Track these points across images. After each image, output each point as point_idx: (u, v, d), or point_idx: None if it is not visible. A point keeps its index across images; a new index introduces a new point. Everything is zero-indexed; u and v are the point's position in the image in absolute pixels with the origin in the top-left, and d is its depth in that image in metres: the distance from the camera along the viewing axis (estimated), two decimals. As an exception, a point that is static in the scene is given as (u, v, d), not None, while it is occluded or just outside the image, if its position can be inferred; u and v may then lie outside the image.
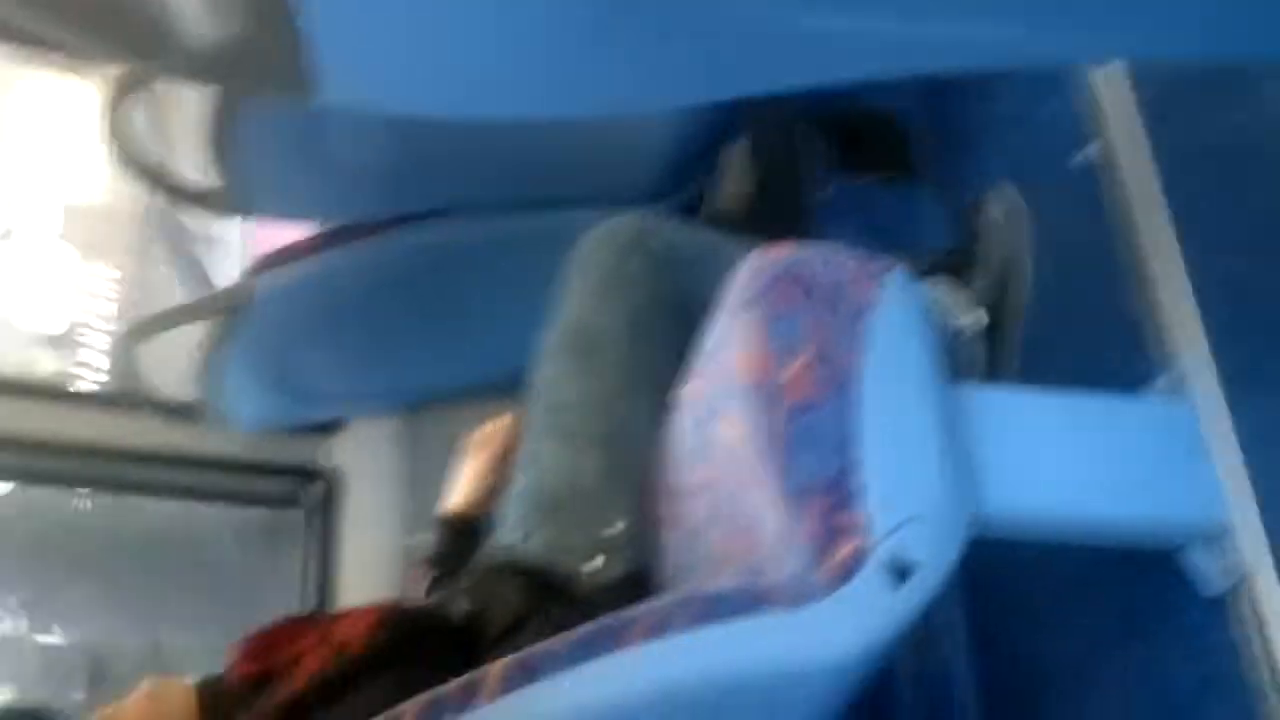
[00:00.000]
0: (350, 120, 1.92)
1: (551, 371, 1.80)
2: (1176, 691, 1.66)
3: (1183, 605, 1.63)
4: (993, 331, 1.90)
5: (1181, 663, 1.65)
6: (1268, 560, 1.51)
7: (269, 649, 1.62)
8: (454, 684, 1.31)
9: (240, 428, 2.31)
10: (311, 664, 1.53)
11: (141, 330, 2.20)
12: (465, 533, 1.95)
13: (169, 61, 1.81)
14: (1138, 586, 1.73)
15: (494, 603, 1.67)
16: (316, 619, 1.74)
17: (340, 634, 1.56)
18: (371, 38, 1.39)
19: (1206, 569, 1.60)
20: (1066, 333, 1.90)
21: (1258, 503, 1.53)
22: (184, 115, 2.09)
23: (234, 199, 2.01)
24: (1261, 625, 1.52)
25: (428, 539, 2.25)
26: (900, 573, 1.33)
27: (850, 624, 1.32)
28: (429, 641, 1.58)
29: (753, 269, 1.56)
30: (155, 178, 2.03)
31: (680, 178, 2.25)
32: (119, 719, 1.65)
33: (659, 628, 1.32)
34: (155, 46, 1.81)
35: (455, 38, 1.38)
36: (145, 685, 1.69)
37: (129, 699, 1.64)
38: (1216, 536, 1.57)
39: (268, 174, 2.00)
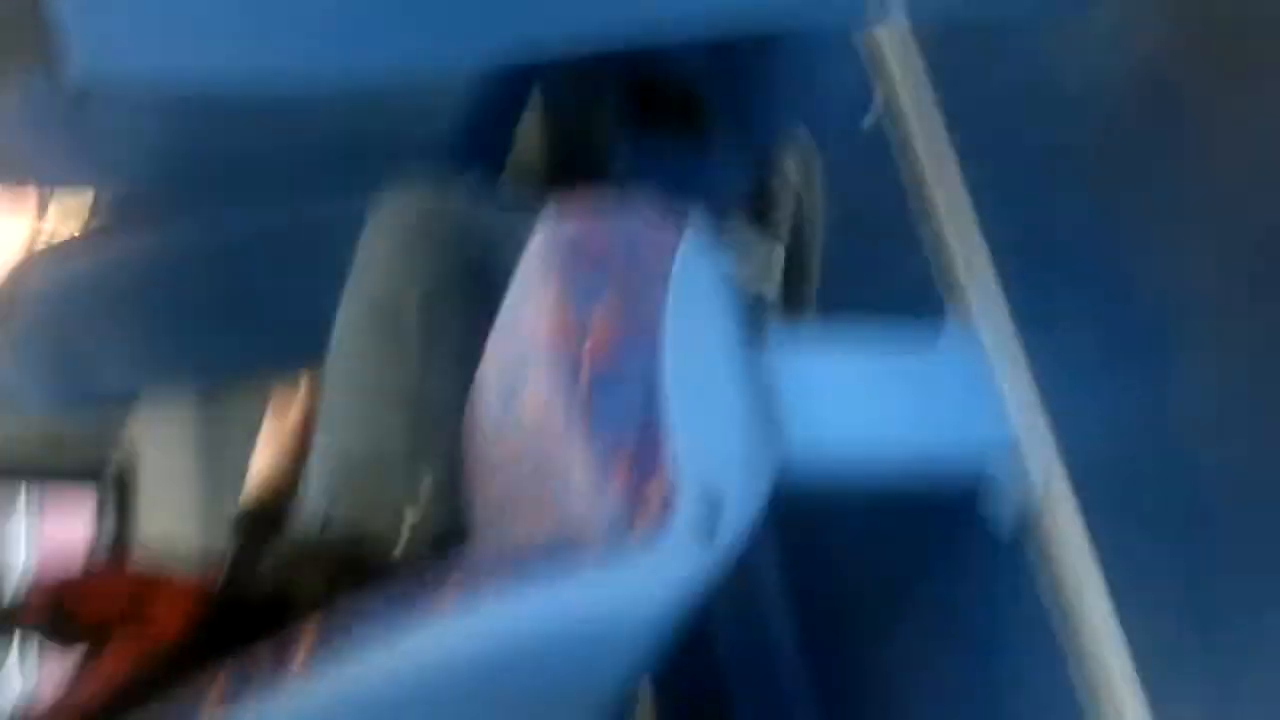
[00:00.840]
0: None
1: (351, 345, 1.79)
2: (973, 631, 1.73)
3: (977, 549, 1.69)
4: (789, 274, 1.95)
5: (978, 604, 1.72)
6: (1058, 497, 1.57)
7: (69, 592, 1.59)
8: (263, 653, 1.31)
9: (31, 413, 2.26)
10: (120, 658, 1.51)
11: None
12: (267, 519, 1.92)
13: None
14: (936, 531, 1.80)
15: (299, 580, 1.67)
16: (119, 572, 1.71)
17: (153, 625, 1.53)
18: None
19: (999, 512, 1.65)
20: (864, 270, 1.96)
21: (1051, 439, 1.59)
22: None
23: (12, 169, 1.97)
24: (1052, 565, 1.58)
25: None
26: (708, 524, 1.36)
27: (662, 575, 1.35)
28: (242, 619, 1.56)
29: (546, 236, 1.58)
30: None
31: (475, 147, 2.25)
32: None
33: (473, 585, 1.34)
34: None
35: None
36: None
37: None
38: (1009, 473, 1.62)
39: (41, 140, 1.96)
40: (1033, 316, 1.65)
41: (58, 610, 1.56)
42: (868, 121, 1.92)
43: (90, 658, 1.59)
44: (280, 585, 1.67)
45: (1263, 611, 1.29)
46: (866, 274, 1.95)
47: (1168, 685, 1.42)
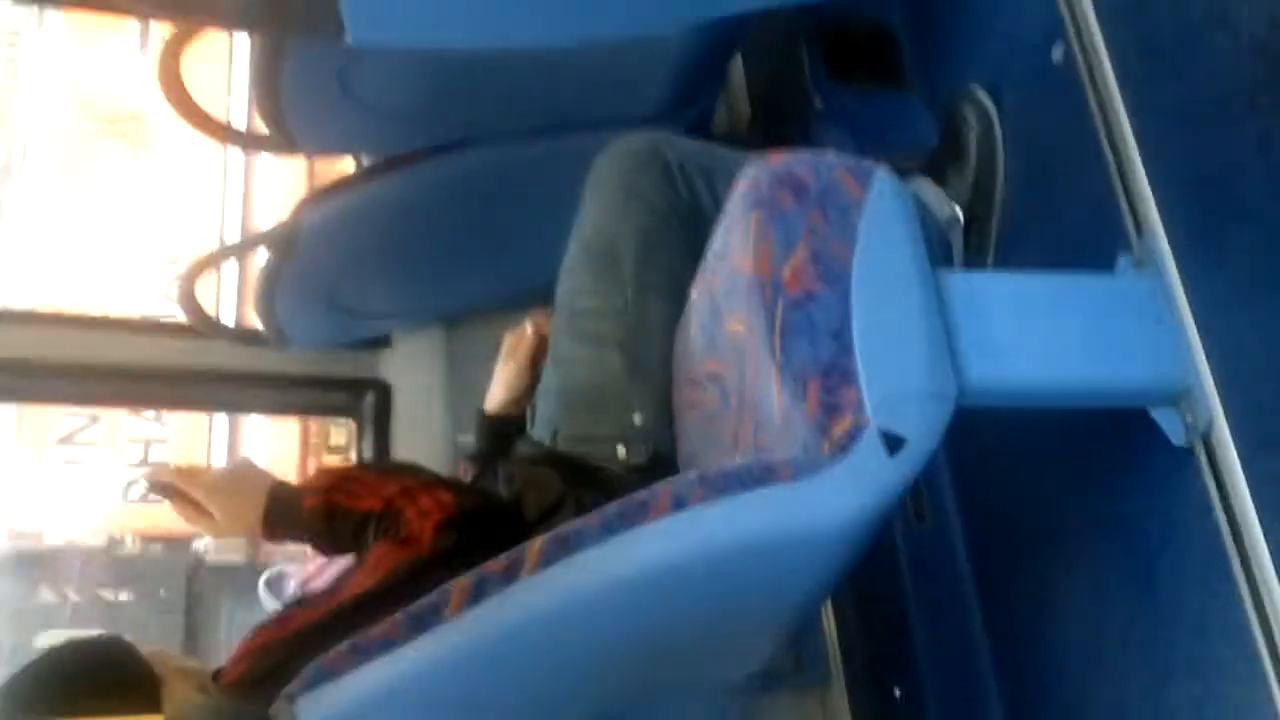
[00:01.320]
0: (381, 62, 1.94)
1: (574, 281, 1.83)
2: (1142, 536, 1.69)
3: (1150, 458, 1.65)
4: (971, 222, 1.92)
5: (1147, 512, 1.67)
6: (1222, 415, 1.52)
7: (333, 488, 1.67)
8: (498, 560, 1.34)
9: (298, 347, 2.34)
10: (381, 564, 1.59)
11: (200, 265, 2.23)
12: (503, 430, 1.99)
13: (214, 12, 1.86)
14: (1110, 443, 1.74)
15: (531, 490, 1.72)
16: (376, 473, 1.77)
17: (409, 532, 1.60)
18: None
19: (1171, 425, 1.61)
20: (1041, 217, 1.90)
21: (1212, 364, 1.54)
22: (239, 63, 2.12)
23: (281, 139, 2.04)
24: (1218, 473, 1.54)
25: (471, 439, 2.31)
26: (893, 444, 1.35)
27: (850, 491, 1.35)
28: (482, 531, 1.62)
29: (751, 177, 1.57)
30: (205, 123, 2.06)
31: (686, 96, 2.25)
32: (199, 475, 1.72)
33: (679, 502, 1.35)
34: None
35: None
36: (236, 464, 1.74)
37: (217, 469, 1.71)
38: (1180, 395, 1.58)
39: (311, 114, 2.02)
40: (1195, 258, 1.59)
41: (330, 501, 1.65)
42: (1056, 56, 1.86)
43: (356, 559, 1.68)
44: (513, 492, 1.74)
45: None
46: (1048, 208, 1.89)
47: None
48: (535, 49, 1.92)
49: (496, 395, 2.07)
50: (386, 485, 1.64)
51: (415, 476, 1.68)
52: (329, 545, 1.69)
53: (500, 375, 2.09)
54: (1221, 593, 1.53)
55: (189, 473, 1.73)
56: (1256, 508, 1.48)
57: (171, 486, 1.71)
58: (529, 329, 2.08)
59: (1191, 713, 1.61)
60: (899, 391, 1.39)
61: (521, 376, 2.05)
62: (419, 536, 1.57)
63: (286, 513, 1.67)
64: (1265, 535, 1.47)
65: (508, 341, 2.09)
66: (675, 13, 1.93)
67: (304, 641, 1.46)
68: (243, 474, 1.73)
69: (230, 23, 2.01)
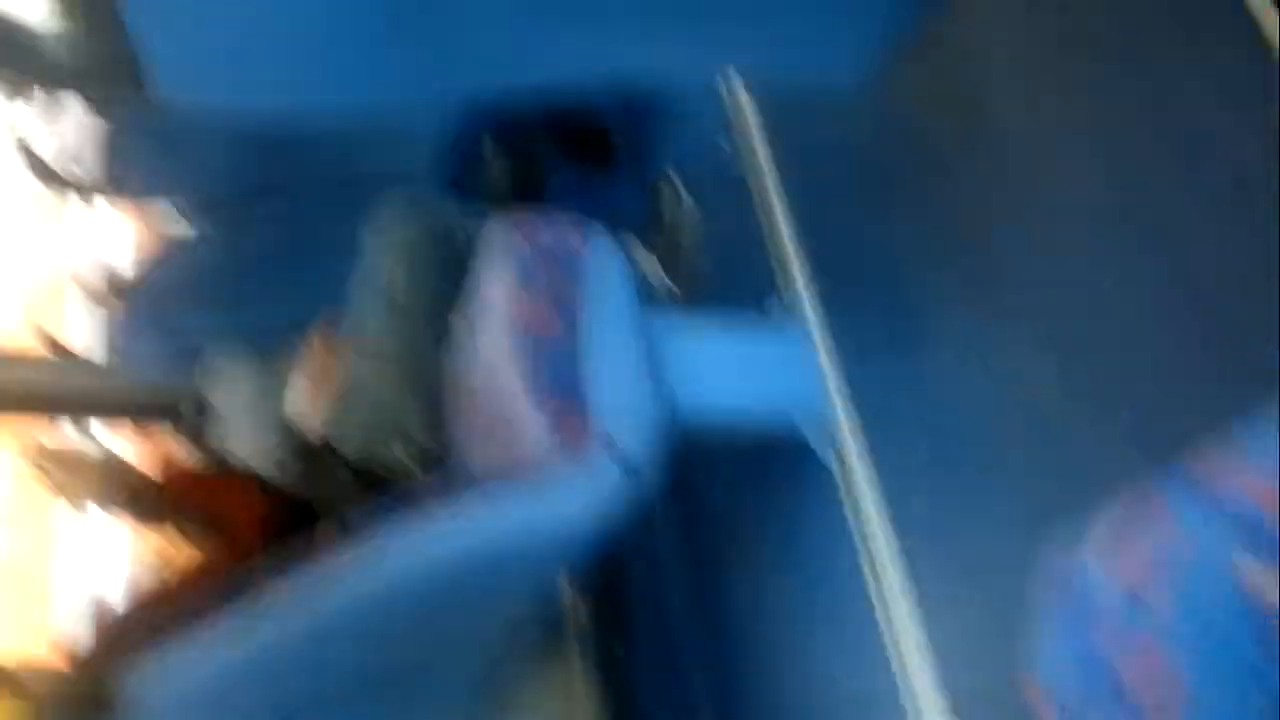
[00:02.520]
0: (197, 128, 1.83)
1: (362, 316, 1.77)
2: (801, 530, 1.75)
3: (808, 471, 1.69)
4: (671, 274, 1.96)
5: (804, 509, 1.74)
6: (851, 437, 1.59)
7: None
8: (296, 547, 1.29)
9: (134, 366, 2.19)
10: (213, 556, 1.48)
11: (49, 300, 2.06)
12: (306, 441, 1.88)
13: (38, 74, 1.70)
14: (778, 453, 1.78)
15: (326, 488, 1.64)
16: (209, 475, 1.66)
17: (234, 525, 1.50)
18: (188, 36, 1.30)
19: (819, 445, 1.65)
20: (721, 273, 1.95)
21: (843, 394, 1.60)
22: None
23: (117, 186, 1.90)
24: (848, 478, 1.60)
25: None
26: (622, 459, 1.35)
27: (586, 498, 1.34)
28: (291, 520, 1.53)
29: (501, 230, 1.56)
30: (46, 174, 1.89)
31: (449, 165, 2.21)
32: None
33: (445, 502, 1.32)
34: (26, 63, 1.69)
35: (264, 34, 1.31)
36: None
37: None
38: (822, 415, 1.63)
39: (143, 165, 1.89)
40: (829, 307, 1.66)
41: (161, 496, 1.52)
42: (723, 153, 1.91)
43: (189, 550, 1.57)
44: (314, 489, 1.65)
45: (971, 515, 1.34)
46: (727, 275, 1.94)
47: (927, 572, 1.46)
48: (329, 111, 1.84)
49: (296, 400, 1.95)
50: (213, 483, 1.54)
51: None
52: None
53: (298, 384, 1.99)
54: (842, 552, 1.58)
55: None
56: (876, 502, 1.54)
57: None
58: (321, 347, 1.99)
59: (840, 672, 1.66)
60: (625, 415, 1.39)
61: (318, 385, 1.95)
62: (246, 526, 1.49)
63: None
64: (883, 525, 1.53)
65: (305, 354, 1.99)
66: (444, 87, 1.89)
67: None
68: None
69: (45, 83, 1.85)
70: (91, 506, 1.58)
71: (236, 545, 1.45)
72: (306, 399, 1.92)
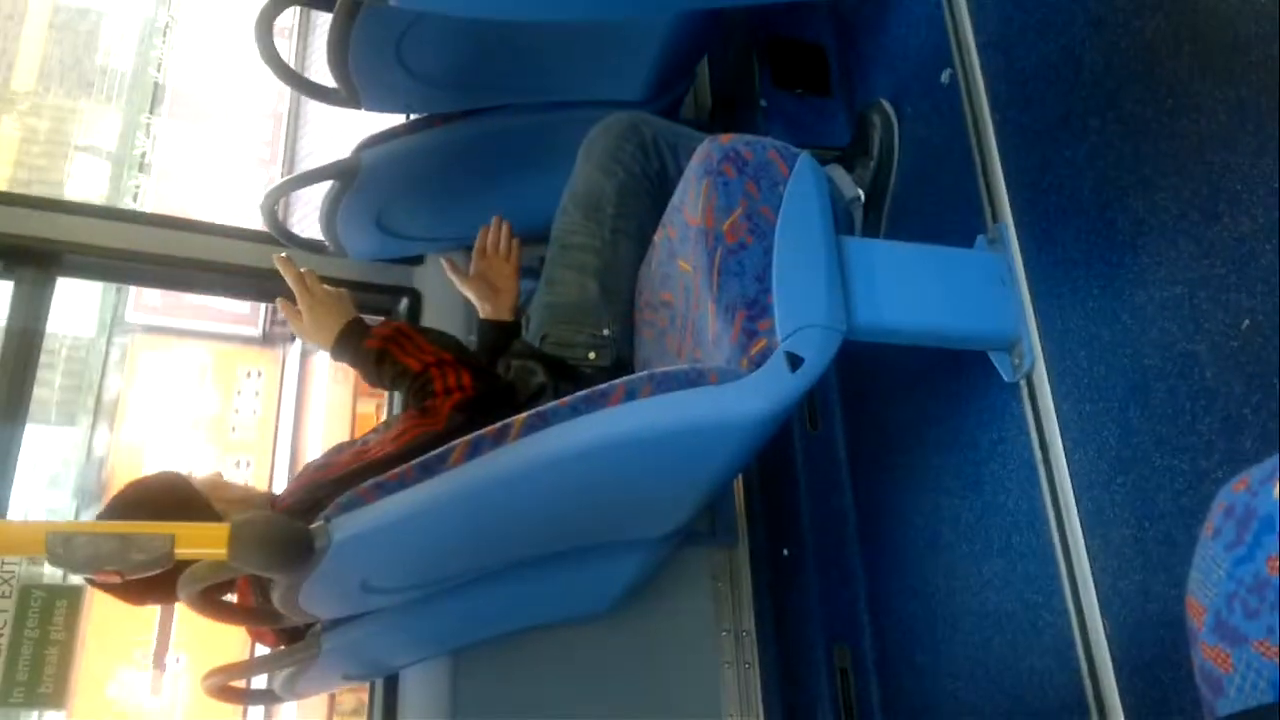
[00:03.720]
0: (428, 40, 1.92)
1: (565, 222, 1.83)
2: (976, 448, 1.72)
3: (986, 390, 1.68)
4: (870, 202, 1.93)
5: (982, 429, 1.71)
6: (1042, 361, 1.56)
7: (390, 338, 1.66)
8: (490, 428, 1.36)
9: (352, 258, 2.35)
10: (405, 437, 1.57)
11: (280, 189, 2.22)
12: (496, 333, 1.99)
13: None
14: (958, 376, 1.77)
15: (521, 379, 1.74)
16: (427, 339, 1.71)
17: (432, 401, 1.60)
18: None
19: (1004, 365, 1.64)
20: (922, 202, 1.91)
21: (1038, 323, 1.57)
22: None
23: (349, 95, 2.02)
24: (1036, 404, 1.58)
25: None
26: (795, 362, 1.37)
27: (760, 395, 1.37)
28: (486, 410, 1.63)
29: (705, 151, 1.57)
30: (289, 76, 2.04)
31: (662, 87, 2.24)
32: (309, 281, 1.74)
33: (631, 394, 1.37)
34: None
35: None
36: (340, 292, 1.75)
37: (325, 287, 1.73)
38: (1013, 343, 1.61)
39: (372, 77, 2.00)
40: (1035, 242, 1.61)
41: (384, 347, 1.65)
42: (945, 78, 1.86)
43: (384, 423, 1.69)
44: (507, 380, 1.75)
45: (1155, 450, 1.29)
46: (928, 196, 1.90)
47: (1105, 502, 1.42)
48: (551, 21, 1.91)
49: (479, 308, 2.08)
50: (429, 352, 1.64)
51: (455, 352, 1.67)
52: (374, 380, 1.70)
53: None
54: (1030, 495, 1.58)
55: (304, 276, 1.73)
56: (1061, 432, 1.52)
57: (290, 276, 1.72)
58: (446, 267, 2.12)
59: (1001, 583, 1.65)
60: (803, 324, 1.40)
61: (473, 295, 2.08)
62: (439, 410, 1.58)
63: (351, 343, 1.68)
64: (1065, 454, 1.51)
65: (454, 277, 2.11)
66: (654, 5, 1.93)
67: (337, 483, 1.48)
68: (338, 298, 1.74)
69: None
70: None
71: (430, 428, 1.55)
72: (475, 303, 2.05)
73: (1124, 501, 1.37)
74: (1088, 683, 1.42)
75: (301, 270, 1.74)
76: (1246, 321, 1.17)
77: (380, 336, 1.67)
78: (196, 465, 1.75)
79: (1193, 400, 1.25)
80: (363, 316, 1.74)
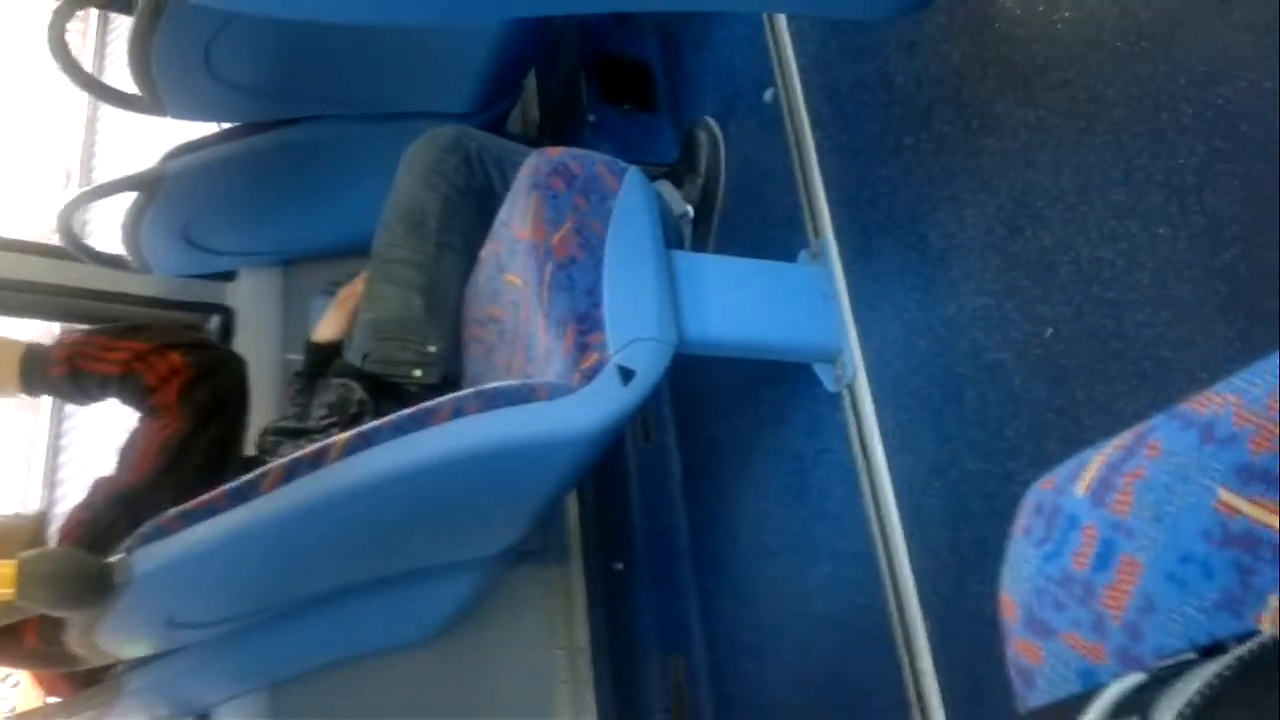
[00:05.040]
0: (238, 44, 1.83)
1: (388, 236, 1.78)
2: (801, 457, 1.76)
3: (811, 399, 1.72)
4: (698, 218, 1.96)
5: (806, 438, 1.75)
6: (862, 371, 1.61)
7: (74, 355, 1.57)
8: (309, 450, 1.31)
9: (158, 274, 2.22)
10: (151, 451, 1.49)
11: (78, 201, 2.07)
12: (323, 355, 1.92)
13: None
14: (783, 387, 1.81)
15: (344, 399, 1.67)
16: (111, 337, 1.64)
17: (156, 399, 1.51)
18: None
19: (827, 376, 1.69)
20: (748, 218, 1.94)
21: (859, 334, 1.62)
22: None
23: (153, 104, 1.91)
24: (857, 413, 1.62)
25: (298, 358, 2.22)
26: (627, 376, 1.37)
27: (591, 409, 1.36)
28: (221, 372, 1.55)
29: (533, 164, 1.57)
30: (86, 81, 1.91)
31: (489, 99, 2.21)
32: None
33: (458, 411, 1.34)
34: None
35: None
36: None
37: None
38: (835, 355, 1.66)
39: (178, 83, 1.90)
40: (853, 255, 1.66)
41: (73, 366, 1.55)
42: (768, 96, 1.91)
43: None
44: (329, 398, 1.68)
45: (970, 454, 1.35)
46: (754, 211, 1.94)
47: (925, 505, 1.47)
48: (370, 26, 1.85)
49: (323, 331, 1.99)
50: (124, 349, 1.55)
51: (147, 339, 1.58)
52: (85, 400, 1.59)
53: (330, 316, 2.01)
54: (853, 501, 1.62)
55: None
56: (881, 439, 1.57)
57: None
58: (359, 284, 2.02)
59: (828, 588, 1.69)
60: (634, 337, 1.40)
61: (347, 320, 1.98)
62: (168, 405, 1.49)
63: (36, 374, 1.57)
64: (886, 460, 1.56)
65: (342, 291, 2.01)
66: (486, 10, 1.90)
67: (104, 516, 1.39)
68: None
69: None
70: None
71: (171, 430, 1.47)
72: (335, 327, 1.97)
73: (940, 505, 1.43)
74: (909, 682, 1.46)
75: None
76: (1050, 330, 1.24)
77: (62, 358, 1.57)
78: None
79: (1001, 406, 1.32)
80: (38, 343, 1.63)
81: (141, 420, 1.51)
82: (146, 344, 1.54)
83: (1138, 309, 1.12)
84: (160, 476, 1.29)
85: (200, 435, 1.33)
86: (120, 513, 1.32)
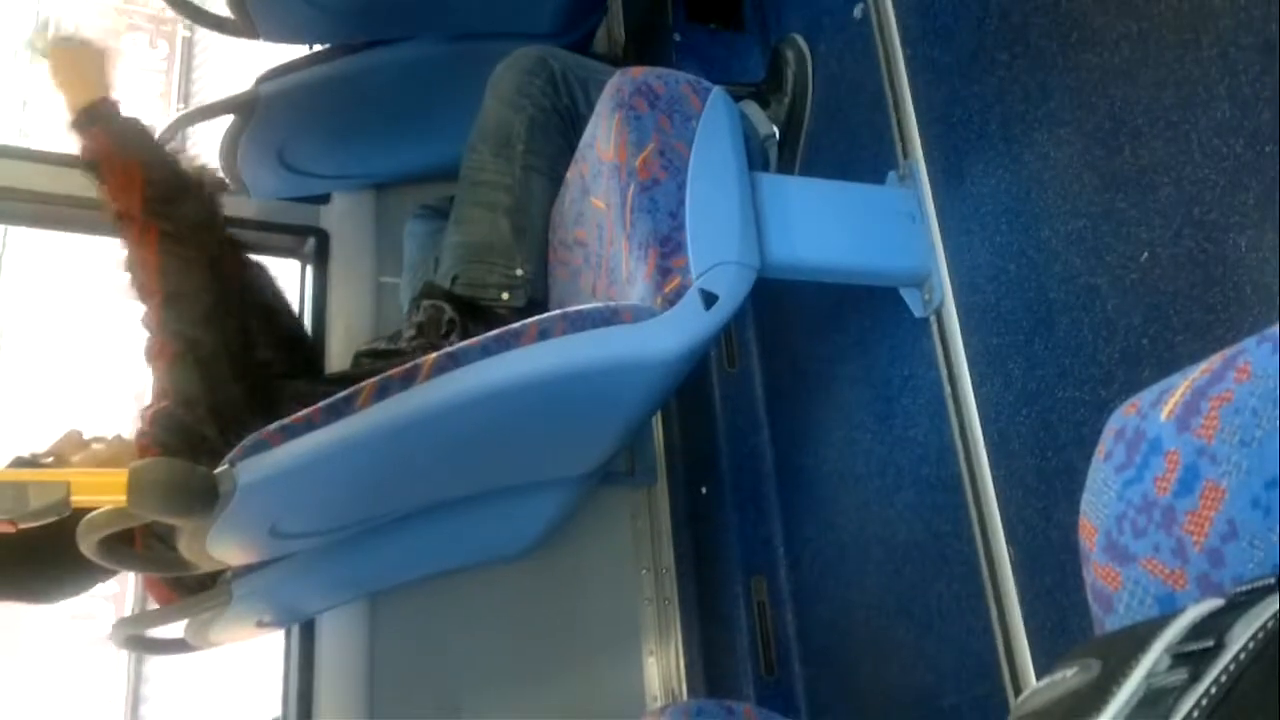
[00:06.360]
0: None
1: (475, 159, 1.80)
2: (887, 383, 1.75)
3: (898, 324, 1.70)
4: (784, 138, 1.94)
5: (892, 364, 1.74)
6: (951, 297, 1.59)
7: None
8: (399, 369, 1.34)
9: (255, 196, 2.28)
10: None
11: (178, 123, 2.14)
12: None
13: None
14: (869, 312, 1.80)
15: (434, 320, 1.72)
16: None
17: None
18: None
19: (915, 301, 1.66)
20: (835, 139, 1.91)
21: (947, 259, 1.60)
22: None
23: (245, 26, 1.96)
24: (945, 339, 1.60)
25: (392, 280, 2.28)
26: (709, 300, 1.38)
27: (674, 333, 1.37)
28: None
29: (617, 85, 1.56)
30: (182, 5, 1.96)
31: (574, 20, 2.21)
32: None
33: (544, 333, 1.36)
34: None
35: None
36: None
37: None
38: (923, 279, 1.63)
39: (271, 6, 1.94)
40: (944, 178, 1.62)
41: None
42: (857, 12, 1.86)
43: None
44: (419, 319, 1.73)
45: (1058, 380, 1.33)
46: (841, 132, 1.90)
47: (1011, 431, 1.46)
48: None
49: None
50: (125, 193, 1.59)
51: (148, 197, 1.60)
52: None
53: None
54: (939, 428, 1.61)
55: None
56: (968, 365, 1.55)
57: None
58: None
59: (912, 514, 1.69)
60: (716, 261, 1.41)
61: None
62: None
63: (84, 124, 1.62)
64: (973, 387, 1.54)
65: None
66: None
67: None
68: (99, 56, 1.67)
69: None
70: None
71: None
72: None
73: (1028, 433, 1.41)
74: (992, 608, 1.47)
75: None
76: (1145, 254, 1.21)
77: (93, 150, 1.60)
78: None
79: (1094, 332, 1.29)
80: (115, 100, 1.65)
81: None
82: (140, 201, 1.59)
83: (1240, 232, 1.09)
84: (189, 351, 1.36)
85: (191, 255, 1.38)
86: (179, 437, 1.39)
